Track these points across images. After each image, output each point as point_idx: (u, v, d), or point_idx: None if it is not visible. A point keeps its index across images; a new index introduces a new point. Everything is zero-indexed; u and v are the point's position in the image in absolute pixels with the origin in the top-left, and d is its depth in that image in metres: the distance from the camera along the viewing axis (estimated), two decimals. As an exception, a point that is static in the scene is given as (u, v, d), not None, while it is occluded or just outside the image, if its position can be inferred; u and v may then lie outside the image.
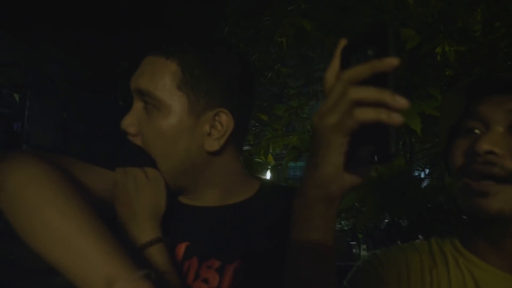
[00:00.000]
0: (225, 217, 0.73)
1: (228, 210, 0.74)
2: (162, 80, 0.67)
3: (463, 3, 1.11)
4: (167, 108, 0.67)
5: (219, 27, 3.57)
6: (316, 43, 1.70)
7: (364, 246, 4.06)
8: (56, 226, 0.51)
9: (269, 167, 1.31)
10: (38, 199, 0.52)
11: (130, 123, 0.68)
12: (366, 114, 0.44)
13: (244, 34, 3.43)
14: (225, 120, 0.68)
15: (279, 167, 1.61)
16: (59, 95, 9.46)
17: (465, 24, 1.08)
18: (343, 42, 0.56)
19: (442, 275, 0.66)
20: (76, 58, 8.35)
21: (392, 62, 0.43)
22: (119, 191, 0.68)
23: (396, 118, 0.43)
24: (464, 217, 0.69)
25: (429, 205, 1.28)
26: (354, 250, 4.35)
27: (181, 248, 0.70)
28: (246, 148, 1.48)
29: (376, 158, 0.46)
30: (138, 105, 0.70)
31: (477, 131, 0.64)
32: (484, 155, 0.60)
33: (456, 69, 1.21)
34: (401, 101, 0.43)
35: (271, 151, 1.29)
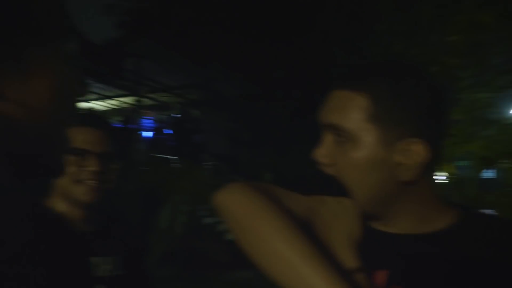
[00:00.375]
0: (424, 246, 0.71)
1: (426, 238, 0.72)
2: (353, 114, 0.70)
3: None
4: (359, 140, 0.70)
5: (371, 25, 3.42)
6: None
7: None
8: (284, 254, 0.58)
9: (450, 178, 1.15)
10: (266, 229, 0.60)
11: (323, 154, 0.72)
12: None
13: (399, 28, 3.19)
14: (418, 149, 0.67)
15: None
16: (228, 108, 10.64)
17: None
18: None
19: None
20: (241, 73, 9.26)
21: None
22: (316, 219, 0.72)
23: None
24: None
25: None
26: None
27: (381, 276, 0.70)
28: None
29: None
30: (329, 138, 0.73)
31: None
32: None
33: None
34: None
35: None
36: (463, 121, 1.53)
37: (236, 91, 9.52)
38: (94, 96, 10.21)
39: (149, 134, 10.87)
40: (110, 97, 10.42)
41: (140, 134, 10.37)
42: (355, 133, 0.70)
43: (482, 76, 3.17)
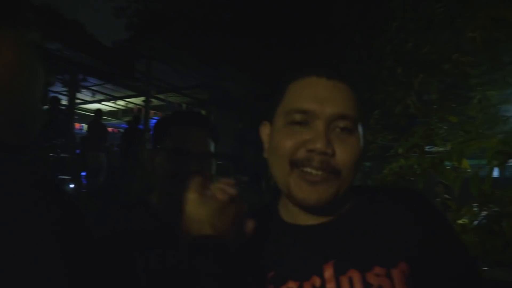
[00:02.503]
0: (348, 227, 0.70)
1: (344, 221, 0.71)
2: (354, 104, 0.68)
3: None
4: (358, 130, 0.68)
5: (383, 23, 3.43)
6: None
7: None
8: None
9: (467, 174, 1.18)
10: None
11: (328, 144, 0.66)
12: None
13: (413, 26, 3.20)
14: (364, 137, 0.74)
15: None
16: (236, 108, 10.67)
17: None
18: None
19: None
20: (249, 73, 9.28)
21: None
22: None
23: None
24: None
25: None
26: None
27: (329, 268, 0.66)
28: (434, 154, 1.37)
29: None
30: (328, 128, 0.67)
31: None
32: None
33: None
34: None
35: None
36: (477, 118, 1.54)
37: (244, 91, 9.56)
38: (103, 96, 10.29)
39: (158, 134, 10.88)
40: (119, 98, 10.49)
41: (150, 134, 10.45)
42: (357, 123, 0.68)
43: (494, 73, 3.18)
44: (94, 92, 9.78)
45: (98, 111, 7.20)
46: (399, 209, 0.71)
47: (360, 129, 0.69)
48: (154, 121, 11.19)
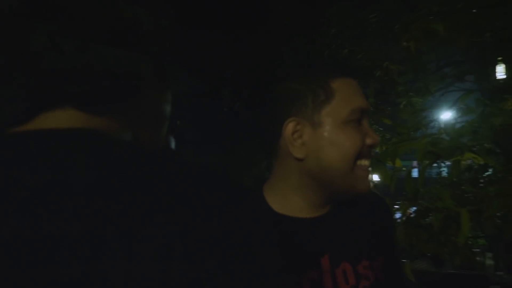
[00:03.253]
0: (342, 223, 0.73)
1: (334, 214, 0.74)
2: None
3: None
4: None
5: (322, 28, 3.57)
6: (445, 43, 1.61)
7: (489, 254, 3.68)
8: None
9: (403, 172, 1.28)
10: None
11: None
12: None
13: (349, 34, 3.37)
14: None
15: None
16: (173, 105, 10.37)
17: None
18: None
19: None
20: (186, 69, 9.08)
21: None
22: None
23: None
24: None
25: None
26: (478, 258, 3.96)
27: (325, 260, 0.69)
28: (373, 153, 1.48)
29: None
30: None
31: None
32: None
33: None
34: None
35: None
36: (409, 121, 1.68)
37: (181, 87, 9.35)
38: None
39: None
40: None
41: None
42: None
43: (418, 82, 3.44)
44: None
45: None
46: (372, 207, 0.77)
47: None
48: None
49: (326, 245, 0.69)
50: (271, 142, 0.70)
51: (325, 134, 0.66)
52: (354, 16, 3.19)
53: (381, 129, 2.21)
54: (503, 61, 3.17)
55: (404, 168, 1.29)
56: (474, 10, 1.39)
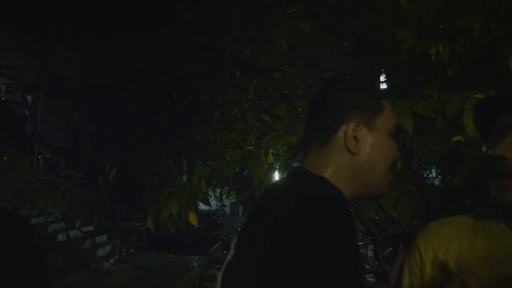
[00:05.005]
0: None
1: None
2: None
3: (460, 3, 1.12)
4: None
5: (227, 28, 3.60)
6: (323, 44, 1.73)
7: (371, 247, 4.04)
8: None
9: (276, 167, 1.33)
10: None
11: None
12: None
13: (252, 35, 3.44)
14: None
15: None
16: (71, 96, 9.61)
17: (463, 24, 1.09)
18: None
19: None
20: (88, 59, 8.48)
21: None
22: None
23: None
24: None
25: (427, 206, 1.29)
26: (361, 251, 4.34)
27: None
28: (248, 148, 1.52)
29: None
30: None
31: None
32: (498, 159, 0.74)
33: (456, 68, 1.23)
34: None
35: (271, 151, 1.31)
36: (287, 119, 1.77)
37: (81, 79, 8.68)
38: None
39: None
40: None
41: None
42: None
43: (315, 87, 3.64)
44: None
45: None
46: None
47: None
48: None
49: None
50: (326, 135, 0.78)
51: (377, 139, 0.77)
52: (257, 18, 3.27)
53: (259, 124, 2.30)
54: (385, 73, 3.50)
55: (275, 164, 1.36)
56: (337, 14, 1.52)
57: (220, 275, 0.74)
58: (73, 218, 7.25)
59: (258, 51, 3.38)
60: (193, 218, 1.34)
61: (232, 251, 0.73)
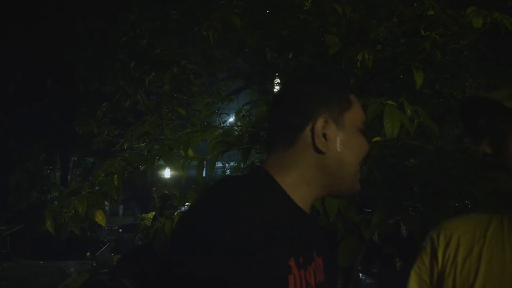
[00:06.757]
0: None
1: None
2: None
3: (375, 17, 1.24)
4: None
5: (121, 14, 3.36)
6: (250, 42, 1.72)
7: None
8: None
9: (196, 162, 1.28)
10: None
11: None
12: None
13: (149, 26, 3.28)
14: None
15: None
16: None
17: (376, 37, 1.22)
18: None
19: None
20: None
21: None
22: None
23: None
24: None
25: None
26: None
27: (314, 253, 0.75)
28: (166, 142, 1.43)
29: None
30: None
31: None
32: (483, 155, 0.83)
33: (361, 77, 1.35)
34: None
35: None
36: (202, 113, 1.72)
37: None
38: None
39: None
40: None
41: None
42: None
43: (211, 85, 3.66)
44: None
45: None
46: None
47: None
48: None
49: (314, 241, 0.76)
50: (292, 134, 0.74)
51: (346, 135, 0.75)
52: (155, 9, 3.13)
53: (174, 118, 2.23)
54: (279, 76, 3.68)
55: (194, 158, 1.32)
56: (267, 11, 1.54)
57: None
58: None
59: (155, 42, 3.24)
60: (100, 218, 1.21)
61: None
